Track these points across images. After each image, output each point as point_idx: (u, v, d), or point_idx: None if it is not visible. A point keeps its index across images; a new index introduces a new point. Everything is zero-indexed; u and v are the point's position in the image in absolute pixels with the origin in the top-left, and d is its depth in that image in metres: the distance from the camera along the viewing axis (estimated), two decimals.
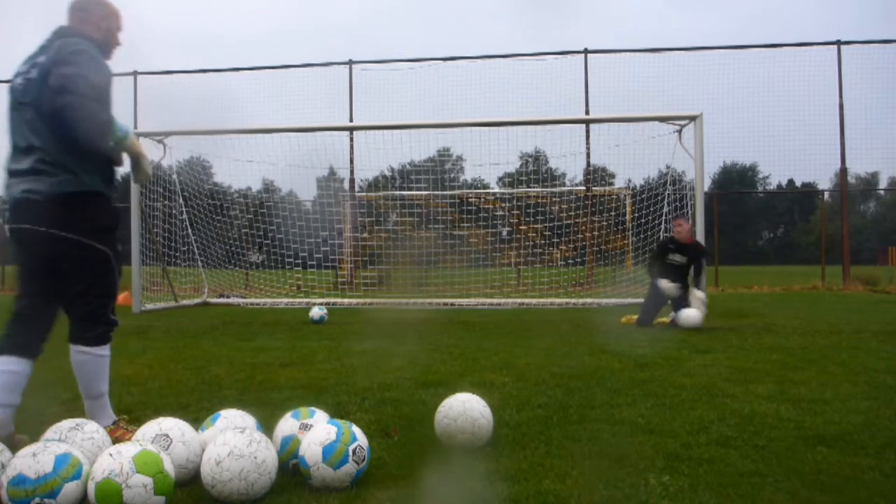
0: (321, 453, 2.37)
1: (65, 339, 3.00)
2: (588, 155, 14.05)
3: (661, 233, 11.43)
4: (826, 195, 24.09)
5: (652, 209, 11.67)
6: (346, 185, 15.18)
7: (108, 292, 2.98)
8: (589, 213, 13.77)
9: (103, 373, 3.00)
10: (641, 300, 10.73)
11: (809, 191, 37.68)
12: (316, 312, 8.61)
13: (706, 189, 15.01)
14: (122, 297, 12.12)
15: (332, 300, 11.46)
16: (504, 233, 16.15)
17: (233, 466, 2.24)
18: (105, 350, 2.99)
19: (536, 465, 2.62)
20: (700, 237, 8.85)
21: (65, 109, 2.70)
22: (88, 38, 2.95)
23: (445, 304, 10.97)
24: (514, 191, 15.63)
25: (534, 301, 11.33)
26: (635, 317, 7.86)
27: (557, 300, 11.33)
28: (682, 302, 7.59)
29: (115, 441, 2.59)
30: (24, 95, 2.85)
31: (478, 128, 11.04)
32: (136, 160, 3.06)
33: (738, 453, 2.76)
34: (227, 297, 12.28)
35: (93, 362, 2.94)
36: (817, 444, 2.88)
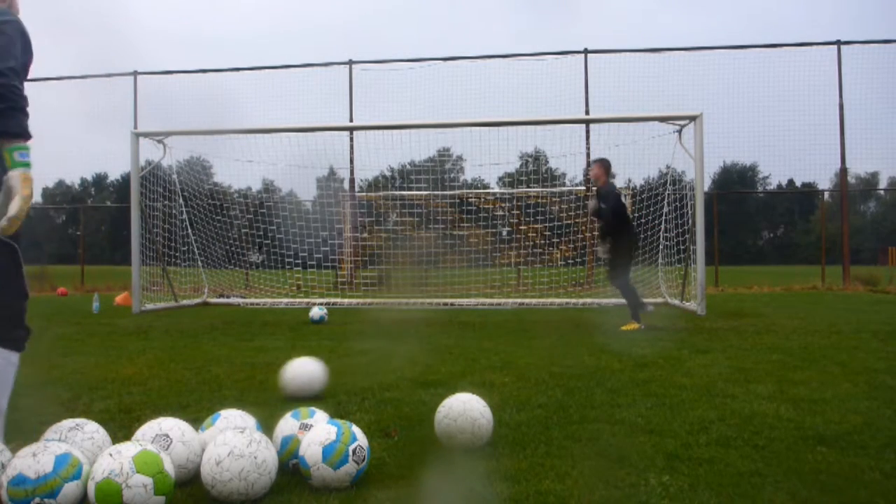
0: (321, 453, 2.37)
1: (60, 338, 2.98)
2: (588, 155, 14.04)
3: (661, 233, 11.43)
4: (826, 195, 24.08)
5: (652, 209, 11.66)
6: (346, 185, 15.18)
7: (24, 292, 2.61)
8: (589, 213, 13.76)
9: (9, 385, 2.55)
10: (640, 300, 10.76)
11: (809, 191, 37.68)
12: (316, 312, 8.61)
13: (706, 189, 14.98)
14: (121, 297, 12.15)
15: (332, 300, 11.46)
16: (504, 233, 16.15)
17: (233, 466, 2.24)
18: (17, 358, 2.56)
19: (536, 465, 2.62)
20: (700, 237, 8.85)
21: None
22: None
23: (445, 304, 10.96)
24: (514, 191, 15.61)
25: (534, 301, 11.32)
26: (634, 325, 7.63)
27: (557, 300, 11.32)
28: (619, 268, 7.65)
29: None
30: None
31: (478, 128, 11.02)
32: (13, 198, 2.40)
33: (738, 453, 2.76)
34: (227, 297, 12.27)
35: (3, 369, 2.50)
36: (817, 444, 2.88)
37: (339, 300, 11.50)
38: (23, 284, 2.61)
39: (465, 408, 2.89)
